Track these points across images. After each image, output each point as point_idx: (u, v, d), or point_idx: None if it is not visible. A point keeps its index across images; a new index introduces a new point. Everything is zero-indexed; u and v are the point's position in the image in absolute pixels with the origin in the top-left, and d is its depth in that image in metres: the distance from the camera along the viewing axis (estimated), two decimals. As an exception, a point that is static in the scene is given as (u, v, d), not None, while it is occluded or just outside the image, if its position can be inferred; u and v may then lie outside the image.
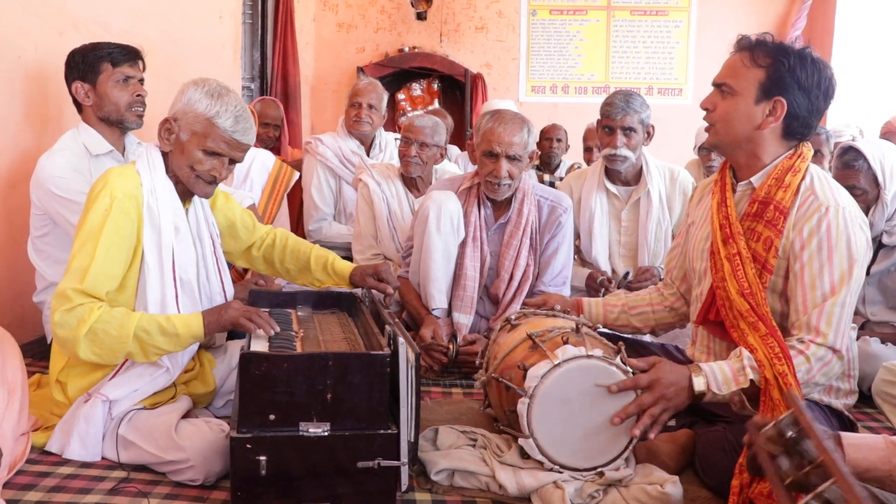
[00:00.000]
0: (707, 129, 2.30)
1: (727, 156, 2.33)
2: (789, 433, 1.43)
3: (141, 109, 3.07)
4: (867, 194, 3.15)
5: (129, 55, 3.03)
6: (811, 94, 2.17)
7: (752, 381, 2.02)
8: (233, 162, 2.35)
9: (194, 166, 2.30)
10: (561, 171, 5.97)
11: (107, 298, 2.17)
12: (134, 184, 2.26)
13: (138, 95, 3.05)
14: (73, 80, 3.01)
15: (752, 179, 2.26)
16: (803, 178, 2.19)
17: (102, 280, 2.16)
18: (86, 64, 3.00)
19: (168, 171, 2.35)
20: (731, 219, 2.25)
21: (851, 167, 3.16)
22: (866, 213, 3.19)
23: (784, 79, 2.15)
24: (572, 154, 6.51)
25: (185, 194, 2.40)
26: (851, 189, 3.17)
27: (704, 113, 2.30)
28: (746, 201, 2.26)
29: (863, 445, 1.53)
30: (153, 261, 2.26)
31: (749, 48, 2.21)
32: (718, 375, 2.05)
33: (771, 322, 2.09)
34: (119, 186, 2.22)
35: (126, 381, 2.26)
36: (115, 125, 3.05)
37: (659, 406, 2.03)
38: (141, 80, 3.08)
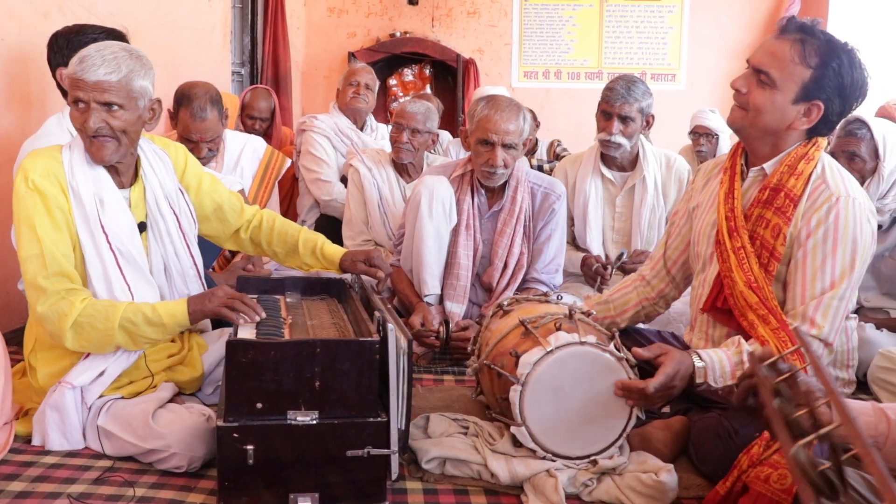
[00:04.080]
0: (734, 109, 2.22)
1: (746, 143, 2.28)
2: (794, 370, 1.37)
3: None
4: (866, 164, 3.18)
5: (113, 40, 2.96)
6: (848, 99, 2.12)
7: None
8: (106, 105, 2.17)
9: (76, 125, 2.23)
10: (541, 153, 5.86)
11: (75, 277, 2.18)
12: (51, 161, 2.22)
13: None
14: (57, 66, 2.94)
15: (764, 166, 2.23)
16: (815, 166, 2.16)
17: (61, 258, 2.16)
18: (69, 49, 2.91)
19: None
20: (735, 211, 2.22)
21: (854, 135, 3.18)
22: (861, 184, 3.19)
23: (829, 83, 2.09)
24: (567, 141, 6.45)
25: (123, 174, 2.34)
26: (851, 157, 3.17)
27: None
28: (757, 187, 2.24)
29: (851, 409, 1.51)
30: (85, 234, 2.23)
31: (800, 40, 2.11)
32: (717, 369, 2.04)
33: (781, 316, 2.07)
34: (32, 168, 2.19)
35: (89, 365, 2.24)
36: None
37: (660, 396, 2.03)
38: None
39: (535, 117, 5.94)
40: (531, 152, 5.84)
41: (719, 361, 2.04)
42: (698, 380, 2.04)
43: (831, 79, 2.09)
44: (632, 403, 2.05)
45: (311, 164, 4.43)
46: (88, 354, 2.25)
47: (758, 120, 2.17)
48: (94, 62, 2.15)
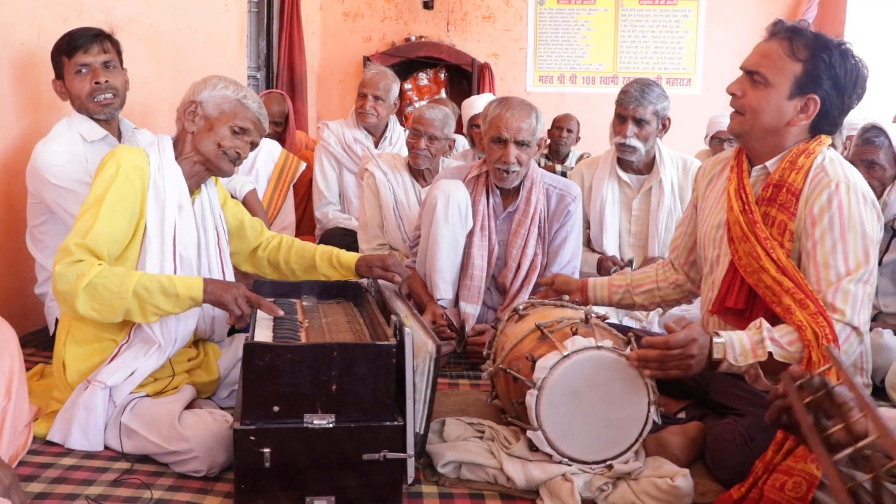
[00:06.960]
0: (732, 116, 2.23)
1: (747, 148, 2.28)
2: (828, 386, 1.37)
3: (108, 96, 2.93)
4: (885, 172, 3.16)
5: (83, 40, 2.88)
6: (845, 92, 2.11)
7: (770, 353, 1.98)
8: (253, 146, 2.47)
9: (221, 143, 2.38)
10: (571, 162, 5.93)
11: (108, 261, 2.18)
12: (142, 159, 2.32)
13: (97, 83, 2.89)
14: (60, 77, 2.96)
15: (766, 164, 2.22)
16: (815, 158, 2.15)
17: (105, 240, 2.16)
18: (53, 60, 2.94)
19: (177, 157, 2.39)
20: (751, 205, 2.21)
21: (872, 143, 3.16)
22: (881, 193, 3.17)
23: (821, 76, 2.09)
24: (582, 145, 6.47)
25: (194, 184, 2.44)
26: (870, 165, 3.15)
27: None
28: (761, 185, 2.23)
29: (887, 418, 1.50)
30: (155, 234, 2.28)
31: (788, 38, 2.12)
32: (737, 346, 2.01)
33: (818, 300, 2.03)
34: (126, 157, 2.28)
35: (122, 363, 2.25)
36: (92, 118, 2.96)
37: (676, 361, 2.00)
38: (105, 63, 2.92)
39: (578, 131, 6.01)
40: (562, 161, 5.89)
41: (738, 339, 2.02)
42: (716, 355, 2.00)
43: (823, 71, 2.09)
44: (646, 357, 2.02)
45: (314, 183, 4.49)
46: (117, 354, 2.26)
47: (756, 121, 2.17)
48: (266, 114, 2.52)
